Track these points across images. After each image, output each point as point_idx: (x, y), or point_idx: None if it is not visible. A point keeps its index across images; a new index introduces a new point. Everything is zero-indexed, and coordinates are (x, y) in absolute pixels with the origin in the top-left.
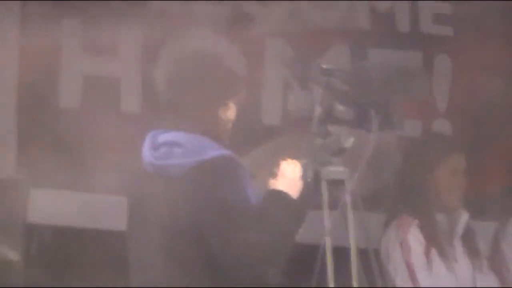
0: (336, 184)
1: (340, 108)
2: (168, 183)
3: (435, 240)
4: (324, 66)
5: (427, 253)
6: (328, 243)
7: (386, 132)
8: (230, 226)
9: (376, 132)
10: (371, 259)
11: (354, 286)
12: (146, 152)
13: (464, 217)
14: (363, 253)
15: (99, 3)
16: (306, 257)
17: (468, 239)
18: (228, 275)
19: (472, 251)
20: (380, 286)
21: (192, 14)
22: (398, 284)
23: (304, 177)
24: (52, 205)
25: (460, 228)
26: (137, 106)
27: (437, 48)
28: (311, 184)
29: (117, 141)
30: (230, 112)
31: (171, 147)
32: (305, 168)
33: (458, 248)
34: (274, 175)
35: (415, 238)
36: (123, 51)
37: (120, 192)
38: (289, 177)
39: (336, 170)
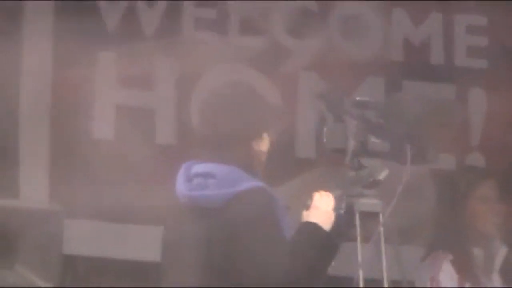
0: (369, 216)
1: (374, 140)
2: (203, 214)
3: (470, 275)
4: (358, 99)
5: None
6: (361, 276)
7: (420, 166)
8: (264, 259)
9: (410, 165)
10: None
11: None
12: (180, 183)
13: (502, 251)
14: (396, 285)
15: (133, 33)
16: None
17: (507, 273)
18: None
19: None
20: None
21: (227, 46)
22: None
23: (337, 209)
24: (87, 236)
25: (498, 262)
26: (171, 138)
27: (471, 81)
28: (344, 217)
29: (151, 172)
30: (264, 144)
31: (205, 179)
32: (338, 200)
33: (496, 283)
34: (307, 207)
35: (446, 274)
36: (157, 82)
37: (155, 223)
38: (322, 209)
39: (369, 202)
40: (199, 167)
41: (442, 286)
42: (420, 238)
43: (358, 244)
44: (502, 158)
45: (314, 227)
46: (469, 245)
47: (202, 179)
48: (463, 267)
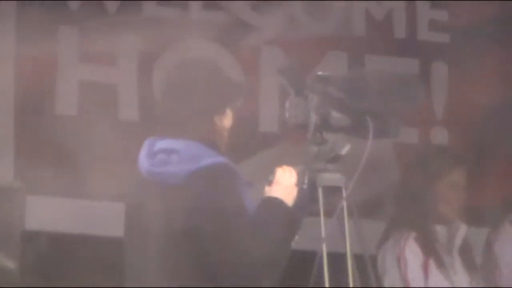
0: (332, 191)
1: (335, 115)
2: (165, 190)
3: (433, 252)
4: (320, 73)
5: (425, 266)
6: (325, 250)
7: (382, 140)
8: (226, 234)
9: (372, 140)
10: (368, 265)
11: None
12: (143, 159)
13: (462, 229)
14: (359, 260)
15: (96, 11)
16: (303, 264)
17: (466, 251)
18: (224, 282)
19: (470, 264)
20: None
21: (188, 22)
22: None
23: (300, 184)
24: (49, 212)
25: (458, 240)
26: (134, 114)
27: (433, 55)
28: (307, 191)
29: (114, 148)
30: (227, 120)
31: (168, 154)
32: (301, 175)
33: (457, 260)
34: (269, 182)
35: (412, 252)
36: (120, 58)
37: (118, 199)
38: (284, 184)
39: (332, 177)
40: (162, 143)
41: (409, 263)
42: (383, 213)
43: (321, 219)
44: (465, 132)
45: (276, 202)
46: (432, 223)
47: (165, 155)
48: (427, 244)
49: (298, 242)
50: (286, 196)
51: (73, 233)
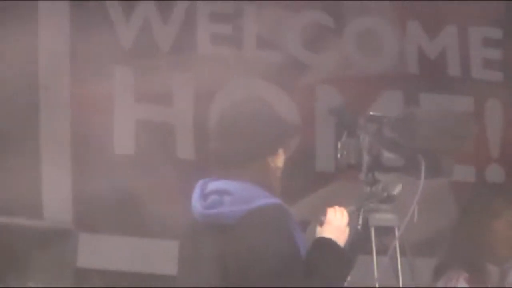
0: (385, 230)
1: (388, 155)
2: (218, 230)
3: None
4: (372, 113)
5: None
6: None
7: (435, 179)
8: (279, 276)
9: (425, 179)
10: None
11: None
12: (196, 202)
13: None
14: None
15: (149, 49)
16: None
17: None
18: None
19: None
20: None
21: (242, 61)
22: None
23: (353, 224)
24: (104, 249)
25: (510, 279)
26: (191, 153)
27: (487, 93)
28: (361, 232)
29: (170, 187)
30: (280, 160)
31: (221, 195)
32: (354, 216)
33: None
34: (321, 222)
35: None
36: (175, 97)
37: (172, 237)
38: (335, 224)
39: (384, 217)
40: (214, 184)
41: None
42: (437, 251)
43: (374, 258)
44: None
45: (328, 243)
46: (484, 262)
47: (217, 196)
48: (478, 285)
49: (352, 282)
50: (338, 236)
51: (126, 271)
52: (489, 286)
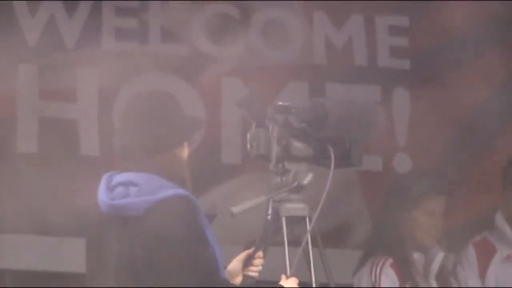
0: (296, 221)
1: (297, 145)
2: (125, 222)
3: (409, 278)
4: (280, 103)
5: None
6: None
7: (345, 168)
8: (188, 266)
9: (335, 168)
10: None
11: None
12: (102, 194)
13: (439, 256)
14: None
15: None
16: None
17: (443, 277)
18: None
19: None
20: None
21: (149, 55)
22: None
23: (264, 214)
24: (11, 249)
25: (435, 266)
26: (95, 149)
27: (394, 82)
28: (272, 222)
29: (74, 184)
30: (186, 152)
31: (127, 187)
32: (264, 206)
33: (433, 286)
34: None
35: (388, 279)
36: (80, 94)
37: (79, 234)
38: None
39: (295, 207)
40: (120, 176)
41: None
42: (353, 242)
43: (286, 250)
44: (428, 158)
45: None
46: (409, 249)
47: (123, 187)
48: (403, 270)
49: (263, 273)
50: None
51: (36, 270)
52: (414, 273)
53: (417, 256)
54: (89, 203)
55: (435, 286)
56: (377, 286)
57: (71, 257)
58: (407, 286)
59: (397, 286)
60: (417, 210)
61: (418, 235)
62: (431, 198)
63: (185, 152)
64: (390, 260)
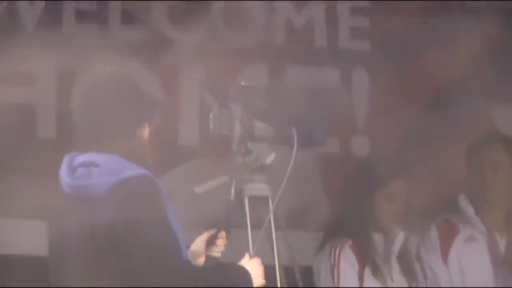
0: (259, 201)
1: (260, 125)
2: (87, 203)
3: (369, 260)
4: (243, 84)
5: (360, 274)
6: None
7: (308, 149)
8: (150, 246)
9: (298, 149)
10: (297, 277)
11: None
12: (64, 174)
13: (400, 237)
14: (290, 271)
15: (13, 27)
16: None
17: (405, 258)
18: None
19: (408, 270)
20: None
21: (107, 38)
22: None
23: (226, 195)
24: None
25: (396, 247)
26: (52, 132)
27: (354, 63)
28: (234, 203)
29: (34, 167)
30: (146, 134)
31: (88, 168)
32: (227, 186)
33: (395, 268)
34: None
35: (347, 261)
36: (38, 77)
37: (40, 217)
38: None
39: (258, 187)
40: (81, 158)
41: (343, 272)
42: (314, 223)
43: (248, 230)
44: (386, 140)
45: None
46: (369, 230)
47: (85, 168)
48: (363, 252)
49: (226, 255)
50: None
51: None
52: (374, 254)
53: (377, 237)
54: (50, 185)
55: (397, 267)
56: (335, 269)
57: (33, 239)
58: (367, 268)
59: (356, 268)
60: (379, 193)
61: (379, 217)
62: (393, 181)
63: (145, 132)
64: (350, 242)
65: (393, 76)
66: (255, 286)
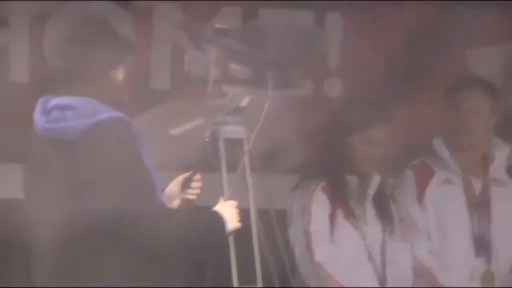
0: (234, 144)
1: (235, 67)
2: (62, 145)
3: (342, 202)
4: (218, 26)
5: (332, 216)
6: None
7: (283, 91)
8: (124, 188)
9: (273, 91)
10: (272, 219)
11: (255, 248)
12: (38, 117)
13: (375, 180)
14: (264, 214)
15: None
16: (206, 220)
17: (380, 201)
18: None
19: (384, 214)
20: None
21: None
22: (297, 252)
23: (201, 137)
24: None
25: (371, 190)
26: (24, 76)
27: (328, 6)
28: (210, 145)
29: (8, 111)
30: (121, 76)
31: (63, 111)
32: (202, 128)
33: (369, 211)
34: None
35: (319, 203)
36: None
37: (14, 160)
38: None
39: (233, 129)
40: (56, 100)
41: (314, 214)
42: (290, 166)
43: (223, 173)
44: (359, 84)
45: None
46: (343, 173)
47: (59, 111)
48: (336, 194)
49: (202, 198)
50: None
51: None
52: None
53: (352, 180)
54: (24, 128)
55: (372, 211)
56: (306, 210)
57: (8, 183)
58: (340, 210)
59: (329, 210)
60: (355, 136)
61: (355, 160)
62: (371, 125)
63: (120, 75)
64: (322, 184)
65: (367, 18)
66: (229, 229)
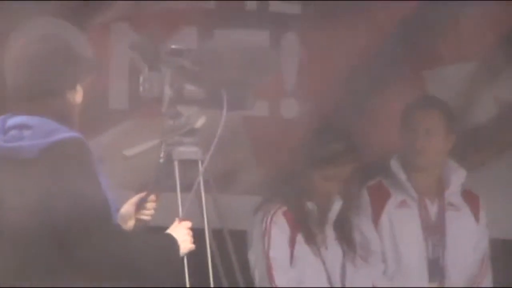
0: (189, 165)
1: (190, 88)
2: (18, 165)
3: (303, 227)
4: (173, 47)
5: (292, 241)
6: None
7: (237, 112)
8: (79, 209)
9: (227, 112)
10: (227, 240)
11: (209, 268)
12: None
13: (337, 204)
14: (219, 235)
15: None
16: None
17: (341, 226)
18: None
19: (345, 237)
20: (237, 269)
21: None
22: (256, 275)
23: (156, 158)
24: None
25: (332, 215)
26: None
27: (284, 26)
28: (164, 166)
29: None
30: (78, 96)
31: (20, 130)
32: (156, 150)
33: (330, 235)
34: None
35: (278, 228)
36: None
37: None
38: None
39: (188, 150)
40: (13, 120)
41: (273, 238)
42: (244, 187)
43: (178, 194)
44: (315, 104)
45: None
46: (304, 197)
47: (17, 131)
48: (296, 219)
49: (156, 219)
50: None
51: None
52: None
53: (313, 205)
54: None
55: (332, 235)
56: (266, 234)
57: None
58: (300, 235)
59: (288, 235)
60: (316, 173)
61: (316, 190)
62: (334, 163)
63: (78, 95)
64: (284, 208)
65: (323, 39)
66: (183, 251)
